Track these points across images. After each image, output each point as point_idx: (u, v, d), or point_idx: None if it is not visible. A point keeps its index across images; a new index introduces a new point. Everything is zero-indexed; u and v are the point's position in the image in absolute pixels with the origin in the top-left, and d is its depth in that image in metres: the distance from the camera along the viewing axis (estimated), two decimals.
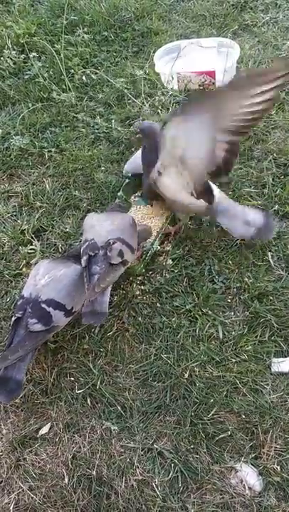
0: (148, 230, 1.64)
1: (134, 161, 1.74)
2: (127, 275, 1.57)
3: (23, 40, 2.55)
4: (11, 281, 1.68)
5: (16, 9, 2.81)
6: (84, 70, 2.30)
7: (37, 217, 1.84)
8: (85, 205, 1.85)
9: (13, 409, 1.39)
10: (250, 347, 1.38)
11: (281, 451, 1.23)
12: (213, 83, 2.10)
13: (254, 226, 1.52)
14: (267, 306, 1.44)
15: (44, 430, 1.35)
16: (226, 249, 1.61)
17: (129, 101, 2.13)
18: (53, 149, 2.05)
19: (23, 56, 2.46)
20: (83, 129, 2.11)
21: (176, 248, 1.64)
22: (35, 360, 1.44)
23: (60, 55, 2.24)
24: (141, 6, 2.60)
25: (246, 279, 1.51)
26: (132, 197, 1.83)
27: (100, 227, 1.47)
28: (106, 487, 1.24)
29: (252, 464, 1.22)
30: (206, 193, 1.49)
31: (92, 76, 2.28)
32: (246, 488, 1.19)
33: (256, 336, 1.40)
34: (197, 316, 1.47)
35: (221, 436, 1.26)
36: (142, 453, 1.27)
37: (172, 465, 1.24)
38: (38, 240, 1.76)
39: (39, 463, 1.31)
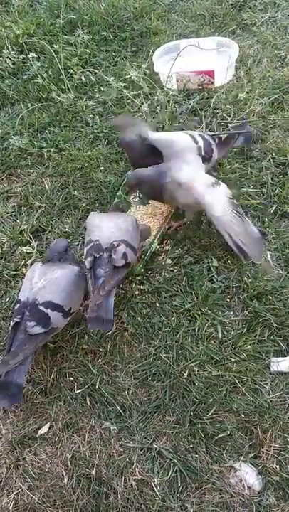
0: (147, 230, 1.64)
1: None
2: (127, 275, 1.57)
3: (22, 41, 2.55)
4: (10, 281, 1.68)
5: (15, 9, 2.80)
6: (83, 70, 2.30)
7: (36, 217, 1.84)
8: (84, 204, 1.85)
9: (13, 409, 1.40)
10: (249, 346, 1.38)
11: (280, 450, 1.23)
12: (212, 82, 2.10)
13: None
14: (266, 306, 1.44)
15: (43, 430, 1.35)
16: (225, 249, 1.61)
17: (128, 101, 2.13)
18: (52, 149, 2.05)
19: (22, 56, 2.46)
20: (82, 129, 2.11)
21: (176, 248, 1.64)
22: (35, 360, 1.44)
23: (59, 55, 2.24)
24: (140, 6, 2.60)
25: (245, 279, 1.51)
26: (132, 196, 1.83)
27: (104, 228, 1.47)
28: (105, 487, 1.24)
29: (251, 464, 1.22)
30: None
31: (91, 76, 2.27)
32: (245, 487, 1.20)
33: (255, 336, 1.40)
34: (196, 315, 1.47)
35: (220, 435, 1.26)
36: (141, 452, 1.27)
37: (171, 464, 1.24)
38: (36, 240, 1.76)
39: (38, 463, 1.31)
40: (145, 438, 1.29)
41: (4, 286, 1.68)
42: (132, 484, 1.23)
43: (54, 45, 2.32)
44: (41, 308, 1.34)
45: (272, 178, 1.76)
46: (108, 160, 1.98)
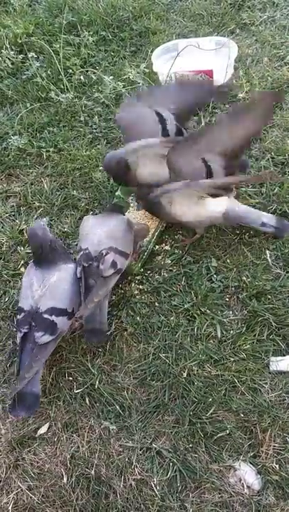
0: (146, 229, 1.64)
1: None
2: (126, 275, 1.57)
3: (21, 40, 2.55)
4: (10, 281, 1.68)
5: (14, 9, 2.80)
6: (82, 69, 2.29)
7: (35, 217, 1.84)
8: (83, 204, 1.85)
9: (9, 410, 1.39)
10: (248, 346, 1.38)
11: (280, 449, 1.23)
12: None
13: (271, 226, 1.57)
14: (265, 305, 1.44)
15: (43, 430, 1.35)
16: (224, 249, 1.61)
17: None
18: (51, 149, 2.05)
19: (21, 56, 2.46)
20: (81, 129, 2.11)
21: (175, 247, 1.64)
22: None
23: (58, 55, 2.24)
24: (139, 6, 2.60)
25: (244, 278, 1.51)
26: (130, 197, 1.82)
27: (93, 235, 1.47)
28: (105, 486, 1.24)
29: (251, 463, 1.22)
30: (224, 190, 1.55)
31: (91, 76, 2.27)
32: (245, 486, 1.20)
33: (254, 335, 1.40)
34: (195, 315, 1.47)
35: (219, 435, 1.26)
36: (140, 452, 1.27)
37: (171, 464, 1.24)
38: None
39: (38, 463, 1.31)
40: (144, 438, 1.29)
41: (4, 286, 1.68)
42: (131, 484, 1.23)
43: (53, 45, 2.32)
44: (46, 316, 1.33)
45: (271, 178, 1.76)
46: None
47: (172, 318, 1.48)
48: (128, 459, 1.27)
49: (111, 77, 2.15)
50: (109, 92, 2.14)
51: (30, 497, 1.26)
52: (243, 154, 1.63)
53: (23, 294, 1.42)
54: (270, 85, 2.06)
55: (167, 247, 1.65)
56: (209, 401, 1.31)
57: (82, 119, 2.14)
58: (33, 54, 2.34)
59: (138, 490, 1.23)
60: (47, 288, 1.38)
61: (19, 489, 1.27)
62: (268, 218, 1.57)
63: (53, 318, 1.34)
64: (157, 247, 1.66)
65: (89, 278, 1.40)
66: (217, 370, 1.36)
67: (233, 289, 1.51)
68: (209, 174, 1.51)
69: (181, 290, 1.53)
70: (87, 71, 2.27)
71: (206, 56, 2.16)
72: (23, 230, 1.81)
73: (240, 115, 1.48)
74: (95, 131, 2.10)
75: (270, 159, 1.81)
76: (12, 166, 2.06)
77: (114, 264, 1.40)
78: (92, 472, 1.26)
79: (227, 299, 1.50)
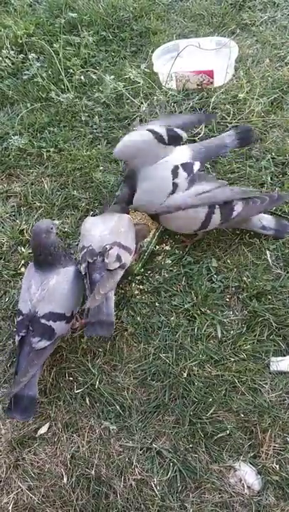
0: (146, 229, 1.64)
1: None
2: (126, 275, 1.57)
3: (22, 41, 2.55)
4: (10, 281, 1.68)
5: (15, 9, 2.80)
6: (82, 69, 2.30)
7: (36, 217, 1.84)
8: (83, 204, 1.85)
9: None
10: (248, 346, 1.38)
11: (280, 450, 1.23)
12: (211, 82, 2.10)
13: (271, 229, 1.58)
14: (265, 305, 1.44)
15: (43, 430, 1.35)
16: (224, 249, 1.61)
17: (128, 101, 2.13)
18: (51, 149, 2.05)
19: (21, 56, 2.46)
20: (82, 129, 2.11)
21: (175, 247, 1.64)
22: None
23: (58, 55, 2.24)
24: (139, 6, 2.60)
25: (245, 278, 1.51)
26: None
27: (95, 231, 1.47)
28: (105, 486, 1.24)
29: (251, 463, 1.22)
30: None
31: (92, 76, 2.27)
32: (245, 487, 1.20)
33: (255, 335, 1.40)
34: (196, 315, 1.47)
35: (219, 435, 1.26)
36: (140, 452, 1.28)
37: (171, 464, 1.25)
38: None
39: (38, 463, 1.31)
40: (145, 438, 1.29)
41: (4, 286, 1.68)
42: (131, 484, 1.23)
43: (54, 45, 2.32)
44: (43, 321, 1.32)
45: (271, 178, 1.76)
46: (107, 160, 1.98)
47: (172, 318, 1.48)
48: (128, 459, 1.27)
49: (111, 77, 2.15)
50: (109, 92, 2.14)
51: (31, 497, 1.26)
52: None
53: (22, 296, 1.41)
54: (271, 85, 2.06)
55: (167, 247, 1.65)
56: (209, 401, 1.31)
57: (82, 119, 2.14)
58: (34, 54, 2.34)
59: (138, 490, 1.23)
60: (45, 292, 1.37)
61: (19, 489, 1.27)
62: (268, 221, 1.58)
63: (51, 323, 1.32)
64: (157, 247, 1.66)
65: (94, 273, 1.38)
66: (217, 371, 1.36)
67: (233, 289, 1.51)
68: None
69: (181, 290, 1.53)
70: (87, 71, 2.27)
71: (207, 56, 2.16)
72: (23, 230, 1.81)
73: None
74: (95, 131, 2.10)
75: (271, 159, 1.81)
76: (12, 166, 2.06)
77: (118, 257, 1.39)
78: (93, 472, 1.26)
79: (227, 299, 1.50)
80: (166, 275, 1.58)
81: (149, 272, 1.60)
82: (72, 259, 1.50)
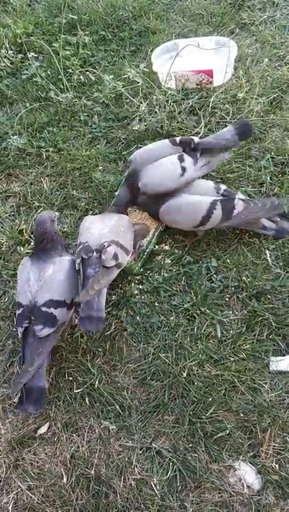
0: (145, 229, 1.64)
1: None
2: (125, 274, 1.57)
3: (21, 40, 2.54)
4: (9, 281, 1.68)
5: (14, 9, 2.80)
6: (82, 69, 2.29)
7: (35, 217, 1.84)
8: (83, 204, 1.85)
9: (12, 409, 1.39)
10: (248, 346, 1.38)
11: (279, 449, 1.23)
12: (211, 82, 2.10)
13: (272, 229, 1.60)
14: (265, 305, 1.44)
15: (42, 430, 1.35)
16: (224, 249, 1.61)
17: (127, 100, 2.13)
18: (50, 149, 2.05)
19: (20, 56, 2.45)
20: (81, 129, 2.11)
21: (175, 247, 1.64)
22: None
23: (58, 54, 2.24)
24: (138, 5, 2.60)
25: (244, 278, 1.51)
26: None
27: (94, 229, 1.47)
28: (104, 486, 1.24)
29: (250, 463, 1.22)
30: None
31: (90, 76, 2.27)
32: (245, 486, 1.20)
33: (254, 335, 1.40)
34: (195, 314, 1.47)
35: (219, 435, 1.26)
36: (140, 452, 1.28)
37: (171, 464, 1.25)
38: None
39: (38, 462, 1.31)
40: (144, 437, 1.29)
41: (3, 286, 1.68)
42: (131, 484, 1.24)
43: (53, 45, 2.31)
44: (44, 309, 1.34)
45: (271, 178, 1.76)
46: (107, 159, 1.98)
47: (172, 318, 1.48)
48: (128, 458, 1.27)
49: (111, 77, 2.14)
50: (108, 91, 2.15)
51: (30, 497, 1.26)
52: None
53: (20, 289, 1.42)
54: (270, 85, 2.06)
55: (167, 247, 1.65)
56: (209, 401, 1.31)
57: (81, 118, 2.14)
58: (33, 54, 2.33)
59: (138, 490, 1.23)
60: (43, 282, 1.39)
61: (19, 489, 1.27)
62: (269, 221, 1.58)
63: (52, 310, 1.34)
64: (157, 247, 1.66)
65: (88, 268, 1.38)
66: (217, 370, 1.36)
67: (233, 288, 1.51)
68: None
69: (181, 290, 1.53)
70: (86, 71, 2.27)
71: (206, 56, 2.15)
72: (22, 230, 1.80)
73: None
74: (94, 130, 2.09)
75: (270, 159, 1.81)
76: (12, 165, 2.06)
77: (116, 256, 1.39)
78: (92, 472, 1.26)
79: (227, 299, 1.50)
80: (166, 275, 1.58)
81: (148, 272, 1.60)
82: (69, 250, 1.54)
